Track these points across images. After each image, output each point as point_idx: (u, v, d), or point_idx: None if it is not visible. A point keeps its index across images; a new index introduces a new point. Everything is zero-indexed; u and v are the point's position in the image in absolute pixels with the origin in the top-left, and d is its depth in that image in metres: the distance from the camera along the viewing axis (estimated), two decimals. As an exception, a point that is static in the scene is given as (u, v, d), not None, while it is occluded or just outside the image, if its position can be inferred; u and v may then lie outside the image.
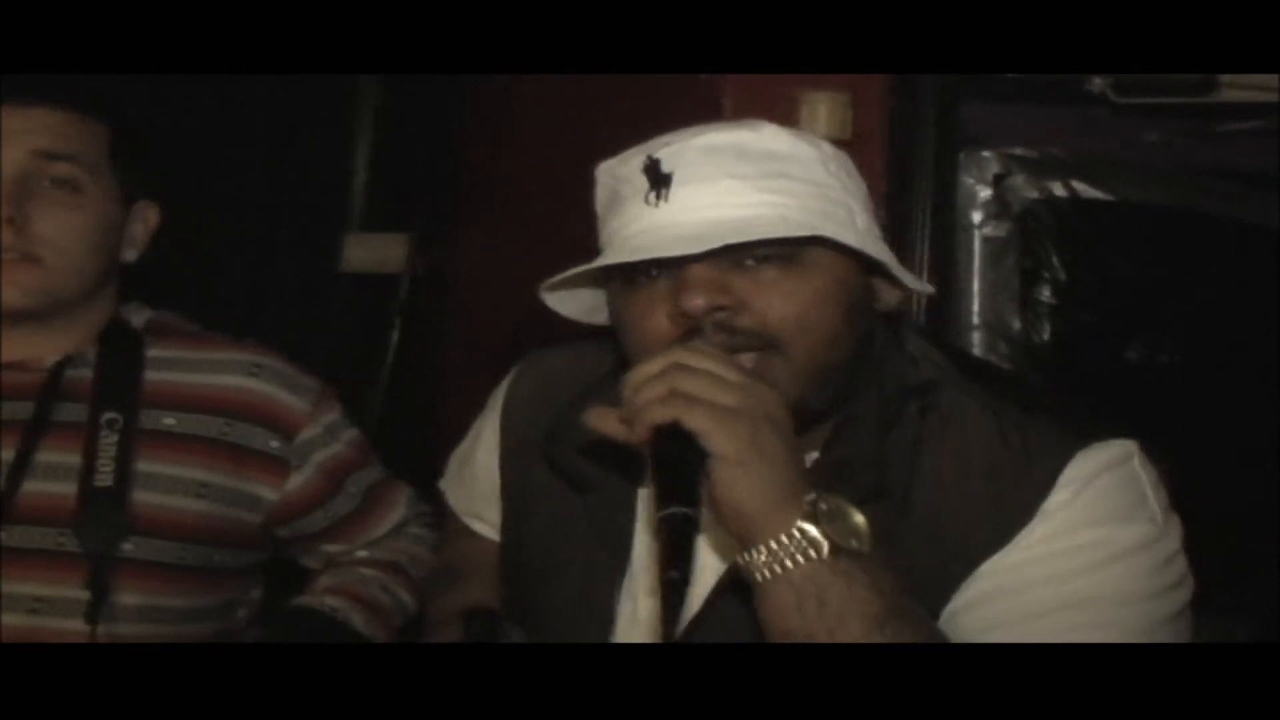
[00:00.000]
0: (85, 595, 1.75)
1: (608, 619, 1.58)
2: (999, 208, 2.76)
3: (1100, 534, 1.41)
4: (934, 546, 1.43)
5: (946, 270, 2.72)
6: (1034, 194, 2.75)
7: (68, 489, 1.79)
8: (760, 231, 1.39)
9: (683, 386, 1.29)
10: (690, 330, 1.41)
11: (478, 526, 1.86)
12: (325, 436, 1.96)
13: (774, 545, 1.29)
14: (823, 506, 1.30)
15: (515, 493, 1.73)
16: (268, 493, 1.91)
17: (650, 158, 1.46)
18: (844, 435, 1.49)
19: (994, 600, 1.41)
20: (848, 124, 2.53)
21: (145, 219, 2.00)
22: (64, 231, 1.85)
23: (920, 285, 1.56)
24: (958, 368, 1.56)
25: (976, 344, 2.81)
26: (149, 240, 2.00)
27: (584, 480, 1.63)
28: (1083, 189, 2.74)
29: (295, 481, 1.93)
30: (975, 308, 2.80)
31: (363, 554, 2.03)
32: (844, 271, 1.46)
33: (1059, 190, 2.74)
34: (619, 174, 1.50)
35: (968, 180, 2.75)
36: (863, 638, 1.28)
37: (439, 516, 2.01)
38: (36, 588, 1.76)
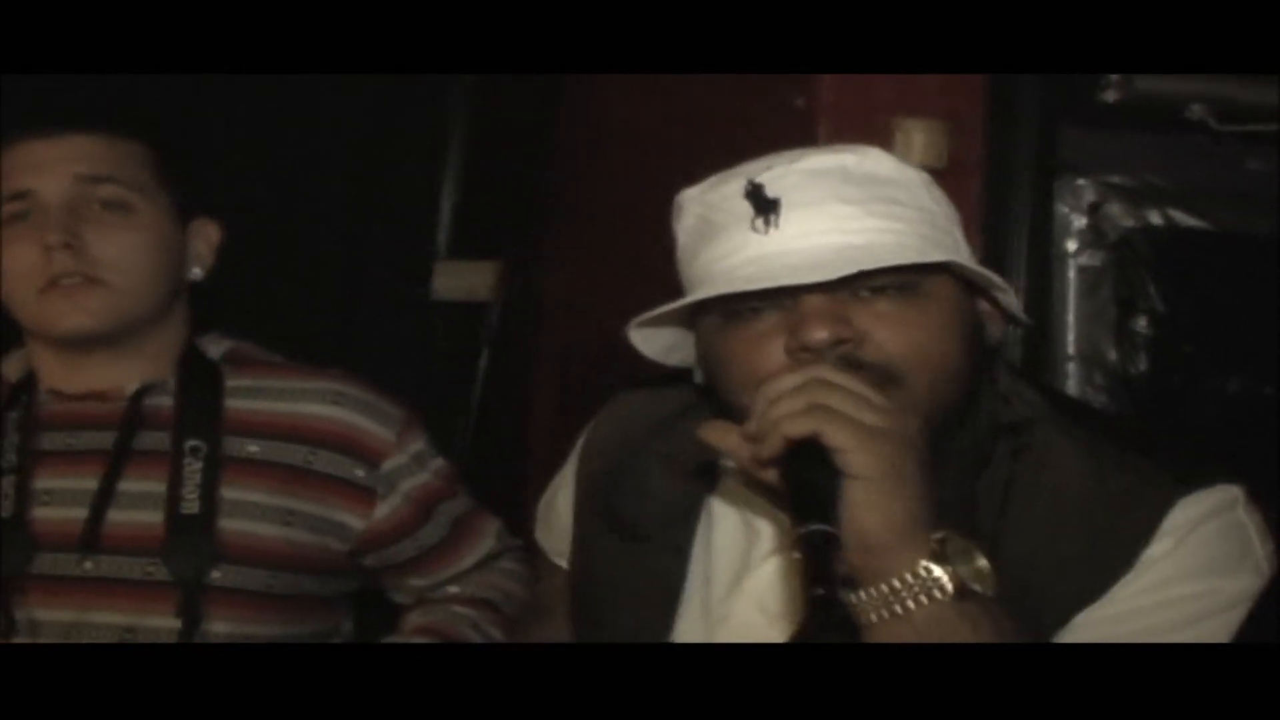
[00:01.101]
0: (176, 624, 1.76)
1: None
2: (1094, 236, 2.72)
3: (1203, 586, 1.35)
4: (1025, 594, 1.35)
5: (1041, 301, 2.69)
6: (1130, 222, 2.70)
7: (154, 517, 1.81)
8: (888, 258, 1.34)
9: (826, 400, 1.24)
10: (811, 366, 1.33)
11: (563, 564, 1.81)
12: (412, 465, 1.96)
13: (896, 583, 1.24)
14: (950, 546, 1.25)
15: (582, 533, 1.69)
16: (355, 521, 1.91)
17: (752, 182, 1.40)
18: (937, 476, 1.36)
19: None
20: (943, 152, 2.51)
21: (206, 235, 2.00)
22: (122, 252, 1.86)
23: (1020, 316, 1.51)
24: (1052, 405, 1.50)
25: (1072, 376, 2.77)
26: (214, 257, 2.00)
27: (637, 527, 1.58)
28: (1180, 218, 2.69)
29: (383, 510, 1.92)
30: (1071, 339, 2.76)
31: (454, 589, 2.02)
32: (960, 302, 1.42)
33: (1156, 219, 2.70)
34: (711, 201, 1.44)
35: (1063, 208, 2.71)
36: None
37: (532, 550, 1.99)
38: (126, 617, 1.78)
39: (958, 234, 1.47)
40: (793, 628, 1.28)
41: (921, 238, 1.39)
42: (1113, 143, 2.65)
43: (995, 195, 2.54)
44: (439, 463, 2.01)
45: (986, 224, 2.54)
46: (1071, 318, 2.76)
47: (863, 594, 1.25)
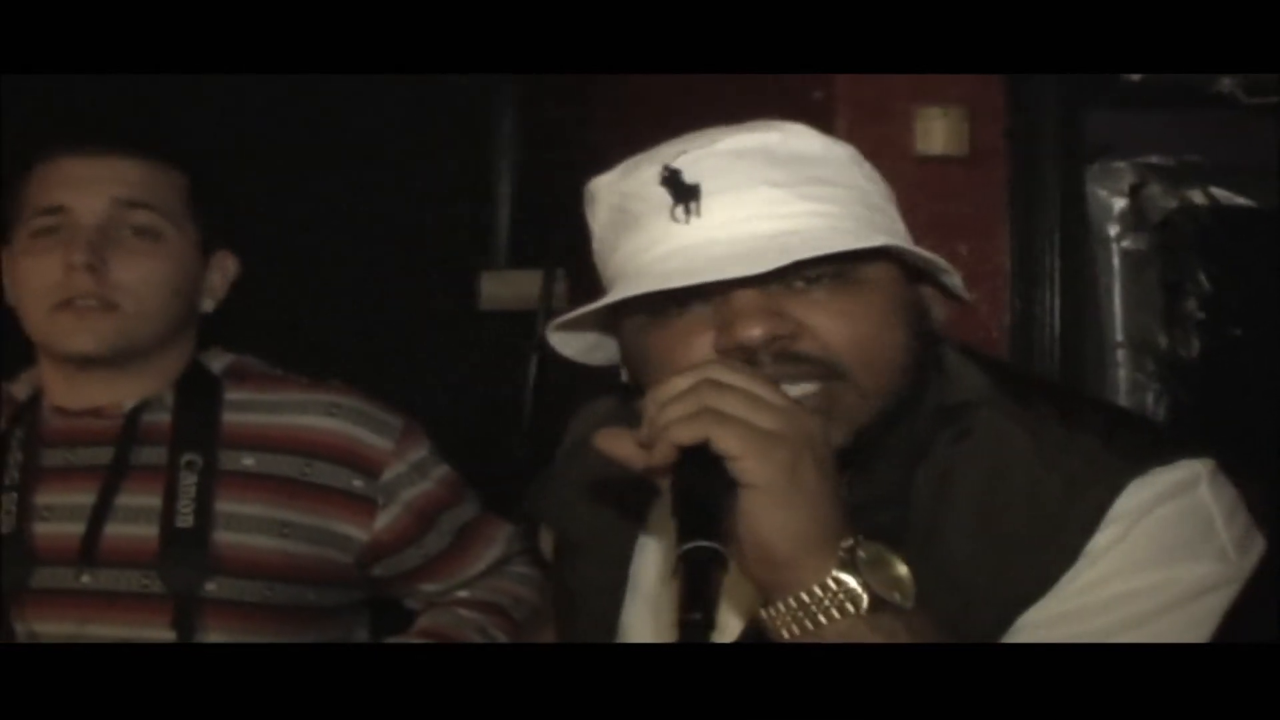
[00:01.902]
0: (170, 636, 1.78)
1: None
2: (1137, 219, 2.64)
3: (1157, 577, 1.23)
4: (964, 595, 1.25)
5: (1082, 287, 2.62)
6: (1172, 203, 2.62)
7: (149, 531, 1.82)
8: (824, 246, 1.24)
9: (716, 404, 1.12)
10: (747, 362, 1.24)
11: None
12: (412, 474, 1.96)
13: (805, 597, 1.13)
14: (862, 553, 1.14)
15: (560, 541, 1.63)
16: (356, 532, 1.91)
17: (667, 168, 1.28)
18: (871, 470, 1.31)
19: None
20: (965, 139, 2.46)
21: (224, 268, 2.02)
22: (143, 279, 1.88)
23: (965, 293, 1.40)
24: (997, 386, 1.38)
25: (1121, 363, 2.70)
26: (228, 290, 2.02)
27: (576, 540, 1.53)
28: (1223, 196, 2.61)
29: (383, 520, 1.92)
30: (1118, 325, 2.69)
31: (463, 594, 2.01)
32: (900, 286, 1.32)
33: (1198, 198, 2.61)
34: (625, 189, 1.33)
35: (1101, 192, 2.64)
36: None
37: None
38: (122, 630, 1.79)
39: (893, 212, 1.39)
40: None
41: (856, 219, 1.30)
42: (1146, 122, 2.58)
43: (1023, 182, 2.49)
44: (442, 471, 2.01)
45: (1014, 211, 2.49)
46: (1118, 303, 2.69)
47: (771, 610, 1.16)
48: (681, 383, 1.16)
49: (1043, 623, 1.24)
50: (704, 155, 1.28)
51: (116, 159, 1.91)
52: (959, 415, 1.34)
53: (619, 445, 1.20)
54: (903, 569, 1.16)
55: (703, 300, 1.28)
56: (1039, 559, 1.24)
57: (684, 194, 1.27)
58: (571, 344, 1.43)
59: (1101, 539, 1.24)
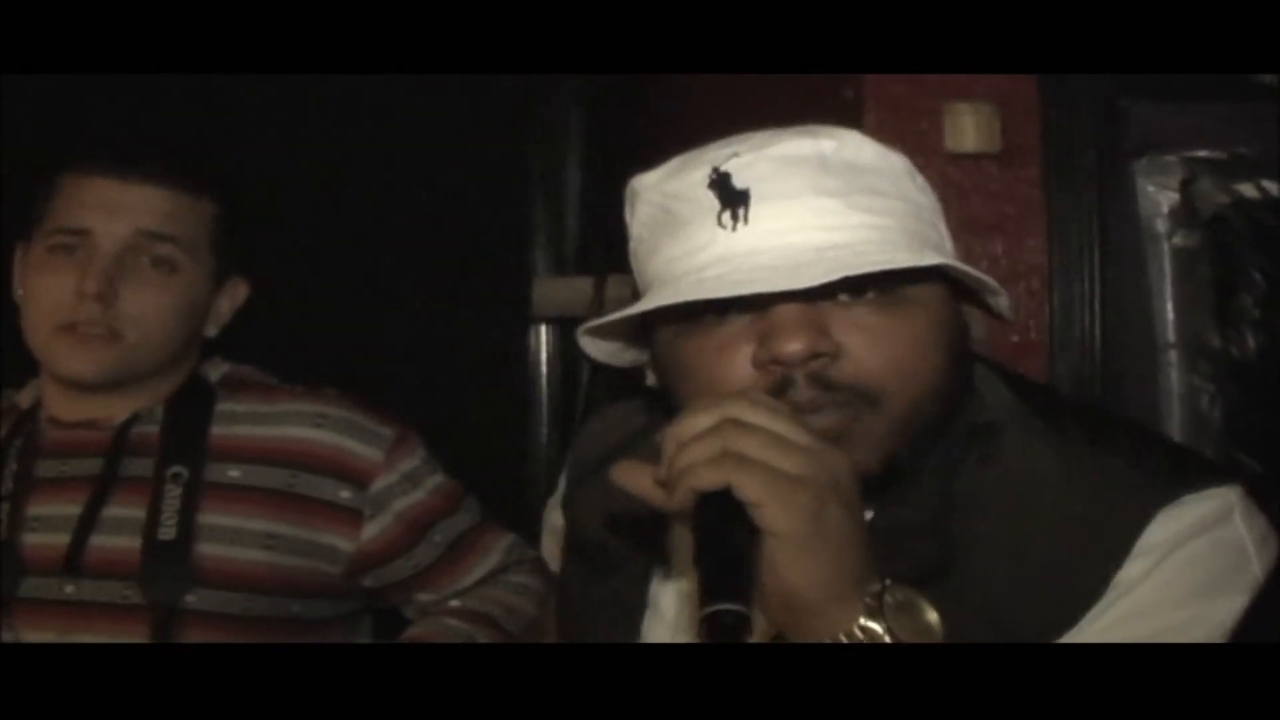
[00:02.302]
0: None
1: None
2: (1187, 215, 2.56)
3: (1186, 615, 1.18)
4: (994, 623, 1.20)
5: (1129, 286, 2.54)
6: (1224, 198, 2.53)
7: (133, 543, 1.83)
8: (876, 261, 1.19)
9: (738, 446, 1.07)
10: (783, 382, 1.20)
11: None
12: (403, 484, 1.94)
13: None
14: (889, 600, 1.10)
15: (568, 549, 1.59)
16: (343, 543, 1.90)
17: (717, 171, 1.24)
18: (904, 496, 1.27)
19: None
20: (996, 135, 2.40)
21: (233, 296, 2.03)
22: (151, 311, 1.88)
23: (1006, 311, 1.35)
24: (1025, 404, 1.33)
25: (1174, 364, 2.61)
26: (233, 315, 2.03)
27: (603, 559, 1.47)
28: (1276, 189, 2.51)
29: (371, 531, 1.91)
30: (1169, 325, 2.60)
31: (454, 603, 1.99)
32: (945, 307, 1.28)
33: (1250, 192, 2.52)
34: (671, 190, 1.28)
35: (1150, 187, 2.56)
36: None
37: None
38: (102, 640, 1.80)
39: (942, 227, 1.34)
40: None
41: (908, 234, 1.25)
42: (1193, 116, 2.49)
43: (1060, 179, 2.42)
44: (436, 480, 2.00)
45: (1051, 209, 2.43)
46: (1170, 303, 2.60)
47: None
48: (703, 421, 1.11)
49: None
50: (756, 160, 1.24)
51: (149, 187, 1.91)
52: (987, 436, 1.30)
53: (637, 481, 1.15)
54: (932, 615, 1.12)
55: (742, 311, 1.24)
56: (1068, 588, 1.20)
57: (733, 199, 1.23)
58: (602, 346, 1.41)
59: (1131, 570, 1.19)
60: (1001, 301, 1.32)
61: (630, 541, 1.44)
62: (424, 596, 2.00)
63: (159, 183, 1.91)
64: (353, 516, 1.91)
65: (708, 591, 1.04)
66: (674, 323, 1.28)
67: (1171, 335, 2.61)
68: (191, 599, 1.82)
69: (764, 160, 1.24)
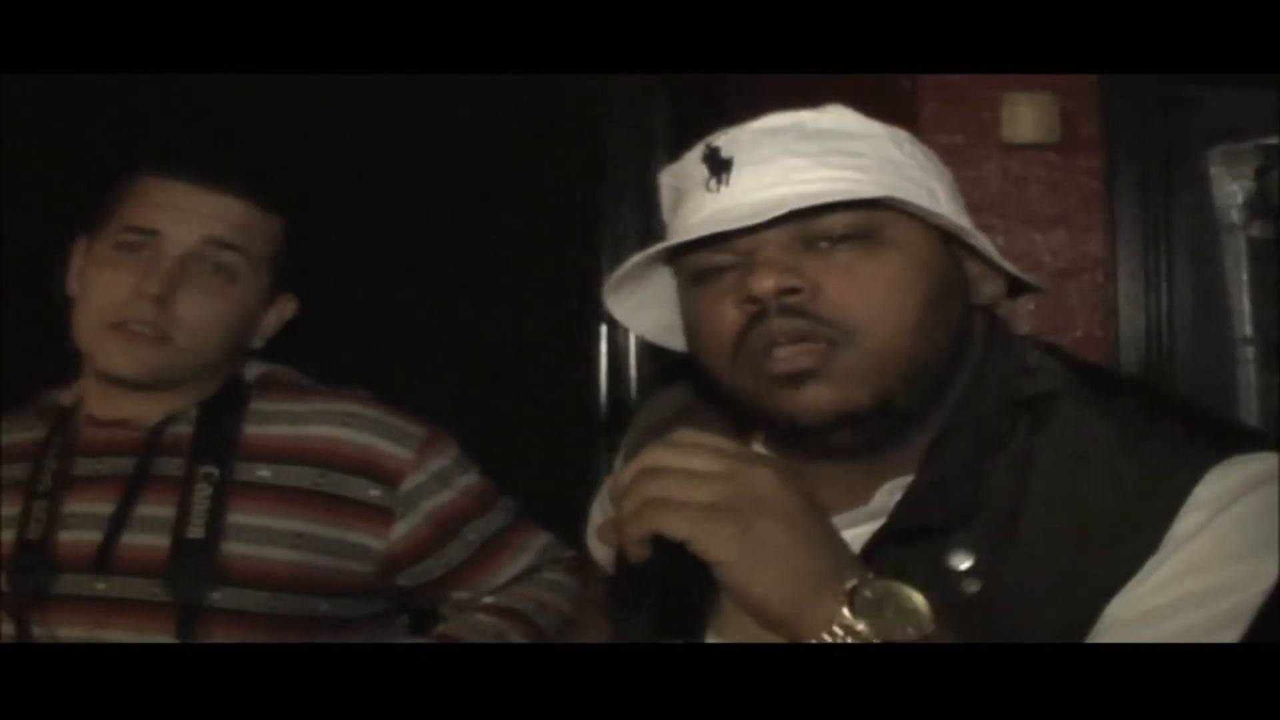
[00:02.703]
0: (173, 644, 1.78)
1: None
2: (1263, 205, 2.47)
3: (1241, 571, 1.19)
4: (1044, 584, 1.23)
5: (1201, 279, 2.46)
6: (1301, 187, 2.45)
7: (162, 541, 1.83)
8: (827, 198, 1.28)
9: (652, 492, 1.13)
10: (758, 314, 1.28)
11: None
12: (433, 484, 1.93)
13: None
14: (867, 593, 1.11)
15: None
16: (374, 542, 1.89)
17: (709, 146, 1.36)
18: (941, 453, 1.32)
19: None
20: (1055, 125, 2.35)
21: (281, 310, 2.03)
22: (203, 318, 1.88)
23: (1022, 273, 1.40)
24: (1079, 377, 1.37)
25: (1251, 359, 2.53)
26: (278, 329, 2.03)
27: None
28: (1353, 177, 2.42)
29: (401, 530, 1.90)
30: (1246, 317, 2.53)
31: (487, 600, 1.98)
32: (928, 253, 1.33)
33: (1327, 180, 2.44)
34: (679, 172, 1.41)
35: (1223, 177, 2.48)
36: None
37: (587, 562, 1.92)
38: (129, 636, 1.80)
39: (937, 187, 1.37)
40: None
41: (877, 184, 1.31)
42: (1269, 101, 2.40)
43: (1123, 167, 2.36)
44: (468, 480, 1.98)
45: (1115, 200, 2.36)
46: (1246, 297, 2.52)
47: None
48: (625, 478, 1.16)
49: (1132, 619, 1.21)
50: (740, 133, 1.35)
51: (225, 196, 1.91)
52: (1037, 406, 1.33)
53: (608, 539, 1.19)
54: (916, 599, 1.13)
55: (736, 264, 1.33)
56: (1120, 546, 1.22)
57: (718, 167, 1.35)
58: (641, 319, 1.48)
59: (1182, 526, 1.20)
60: (986, 246, 1.36)
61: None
62: (458, 594, 1.99)
63: (236, 193, 1.92)
64: (383, 515, 1.90)
65: (666, 632, 1.15)
66: (685, 281, 1.38)
67: (1248, 329, 2.53)
68: (217, 597, 1.82)
69: (747, 133, 1.35)
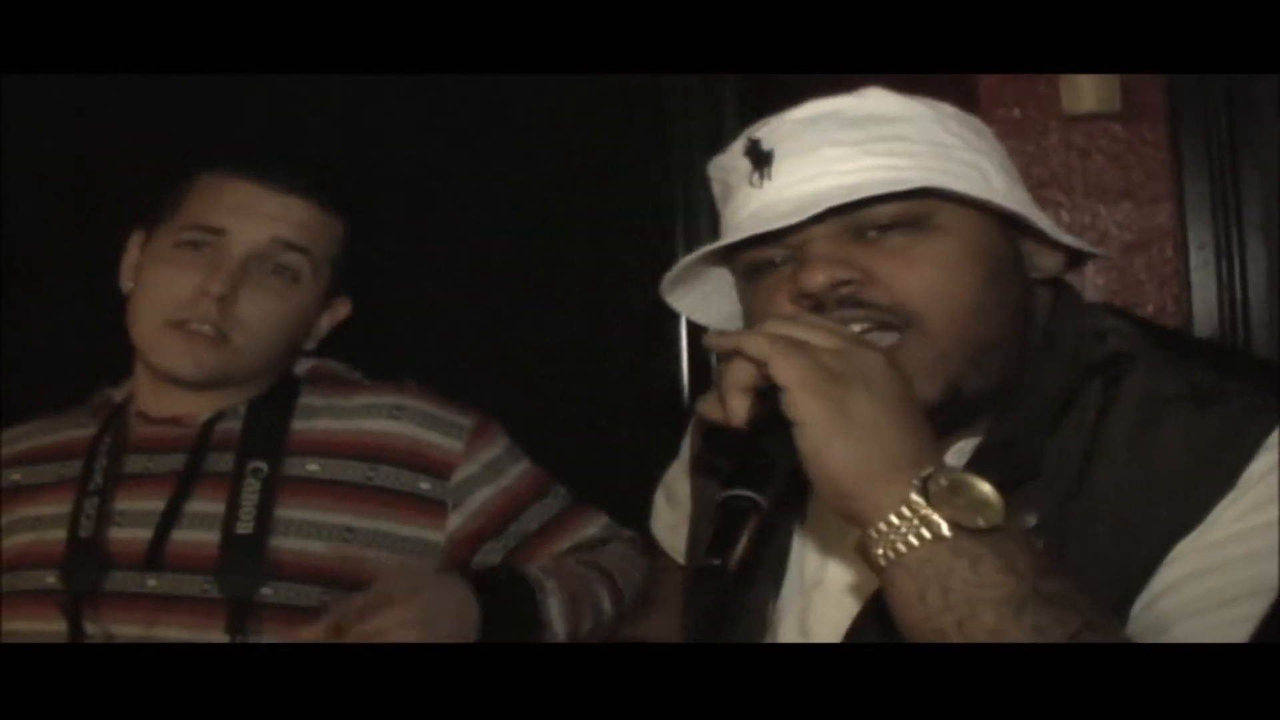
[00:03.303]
0: (225, 640, 1.78)
1: (759, 626, 1.49)
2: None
3: None
4: (1121, 529, 1.26)
5: (1275, 248, 2.38)
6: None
7: (212, 537, 1.83)
8: (868, 191, 1.29)
9: (768, 351, 1.16)
10: (815, 309, 1.31)
11: (677, 558, 1.78)
12: (486, 474, 1.91)
13: (883, 526, 1.14)
14: (941, 481, 1.13)
15: (698, 513, 1.64)
16: (430, 534, 1.87)
17: (750, 139, 1.37)
18: (1009, 416, 1.35)
19: (1193, 583, 1.23)
20: (1115, 95, 2.28)
21: (335, 312, 2.02)
22: (264, 319, 1.88)
23: (1081, 243, 1.40)
24: (1151, 339, 1.39)
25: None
26: (330, 332, 2.02)
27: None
28: None
29: (455, 521, 1.89)
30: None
31: (567, 557, 1.95)
32: (981, 234, 1.34)
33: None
34: (725, 165, 1.43)
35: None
36: (997, 627, 1.11)
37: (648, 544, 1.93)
38: (182, 633, 1.80)
39: (987, 165, 1.38)
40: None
41: (925, 170, 1.32)
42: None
43: (1192, 138, 2.29)
44: (520, 468, 1.96)
45: (1181, 173, 2.29)
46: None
47: (866, 539, 1.17)
48: (744, 337, 1.20)
49: (1200, 549, 1.23)
50: (779, 123, 1.37)
51: (292, 197, 1.91)
52: (1112, 365, 1.35)
53: (711, 408, 1.23)
54: (987, 490, 1.14)
55: (789, 258, 1.35)
56: (1193, 491, 1.25)
57: (760, 160, 1.36)
58: (703, 311, 1.51)
59: (1257, 466, 1.23)
60: (1045, 223, 1.36)
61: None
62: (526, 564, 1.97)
63: (303, 194, 1.91)
64: (436, 508, 1.88)
65: (727, 482, 1.16)
66: (740, 278, 1.42)
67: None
68: (267, 592, 1.81)
69: (787, 123, 1.36)
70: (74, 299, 2.76)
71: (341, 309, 2.04)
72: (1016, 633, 1.10)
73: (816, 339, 1.17)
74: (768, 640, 1.48)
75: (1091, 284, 2.31)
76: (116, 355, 1.99)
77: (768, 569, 1.50)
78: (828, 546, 1.48)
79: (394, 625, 1.59)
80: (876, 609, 1.31)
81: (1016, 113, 2.33)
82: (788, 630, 1.47)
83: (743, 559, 1.15)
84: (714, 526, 1.15)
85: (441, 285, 2.92)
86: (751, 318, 1.40)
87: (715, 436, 1.38)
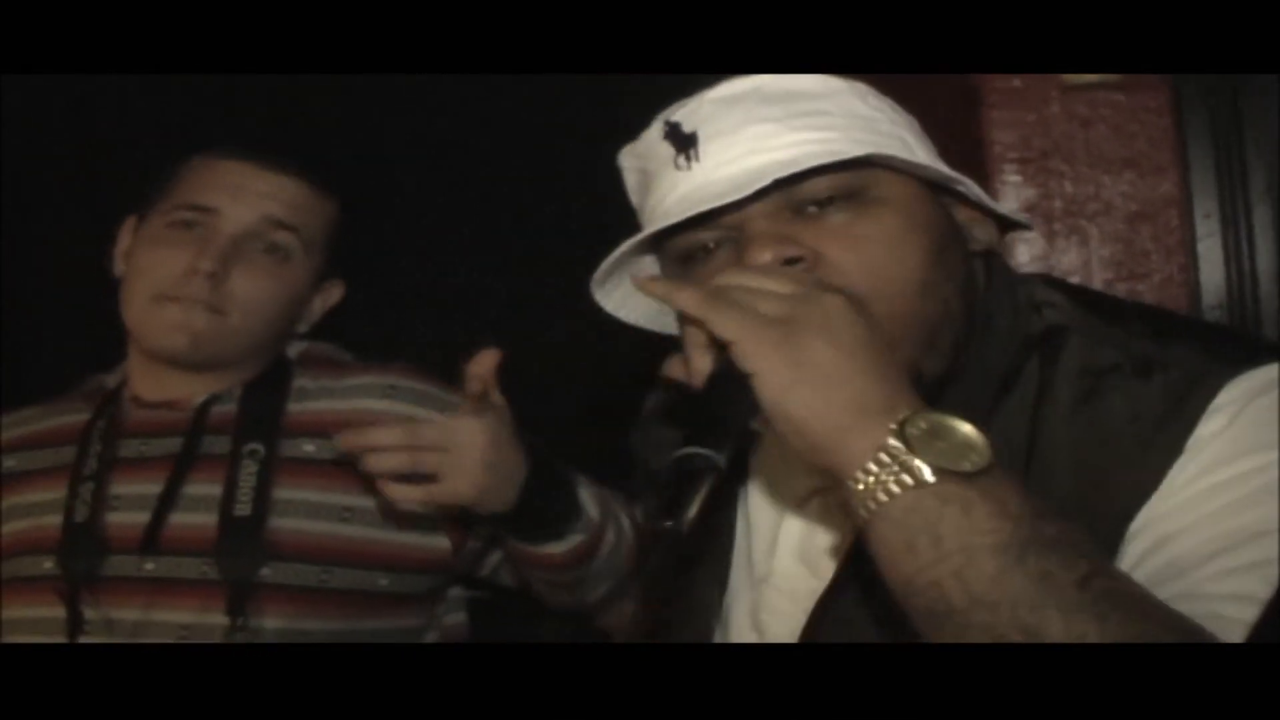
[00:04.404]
0: (226, 621, 1.79)
1: (710, 616, 1.47)
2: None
3: (1261, 460, 1.20)
4: (1075, 508, 1.21)
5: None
6: None
7: (210, 519, 1.83)
8: (807, 163, 1.26)
9: (720, 299, 1.13)
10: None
11: None
12: None
13: (861, 476, 1.09)
14: (920, 424, 1.09)
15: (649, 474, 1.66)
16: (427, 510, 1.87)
17: (667, 122, 1.34)
18: (949, 396, 1.30)
19: (1155, 554, 1.20)
20: (1116, 62, 2.25)
21: (327, 296, 2.03)
22: (256, 296, 1.89)
23: (1013, 214, 1.39)
24: (1087, 308, 1.37)
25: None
26: (323, 316, 2.03)
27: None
28: None
29: None
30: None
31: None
32: (920, 205, 1.33)
33: None
34: (642, 152, 1.39)
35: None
36: (999, 575, 1.06)
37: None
38: (183, 615, 1.81)
39: (909, 137, 1.36)
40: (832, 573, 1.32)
41: (855, 143, 1.30)
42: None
43: (1194, 107, 2.26)
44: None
45: (1184, 140, 2.27)
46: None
47: (845, 490, 1.12)
48: (699, 291, 1.17)
49: (1158, 519, 1.21)
50: (698, 104, 1.34)
51: (283, 176, 1.92)
52: (1047, 341, 1.34)
53: (673, 367, 1.21)
54: (970, 431, 1.11)
55: (727, 242, 1.31)
56: (1144, 459, 1.23)
57: (683, 143, 1.33)
58: (631, 308, 1.46)
59: (1205, 429, 1.22)
60: (975, 191, 1.35)
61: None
62: None
63: (293, 173, 1.92)
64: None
65: (685, 441, 1.12)
66: (672, 266, 1.37)
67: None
68: (266, 573, 1.81)
69: (706, 104, 1.33)
70: (67, 287, 2.75)
71: (334, 292, 2.04)
72: (1021, 579, 1.05)
73: (768, 285, 1.14)
74: (720, 635, 1.46)
75: (1097, 255, 2.29)
76: (110, 343, 1.99)
77: (710, 562, 1.48)
78: (774, 536, 1.46)
79: (463, 433, 1.62)
80: (842, 591, 1.31)
81: (1018, 83, 2.30)
82: (740, 627, 1.44)
83: (698, 521, 1.10)
84: (666, 488, 1.11)
85: (436, 273, 2.93)
86: None
87: (680, 398, 1.32)
